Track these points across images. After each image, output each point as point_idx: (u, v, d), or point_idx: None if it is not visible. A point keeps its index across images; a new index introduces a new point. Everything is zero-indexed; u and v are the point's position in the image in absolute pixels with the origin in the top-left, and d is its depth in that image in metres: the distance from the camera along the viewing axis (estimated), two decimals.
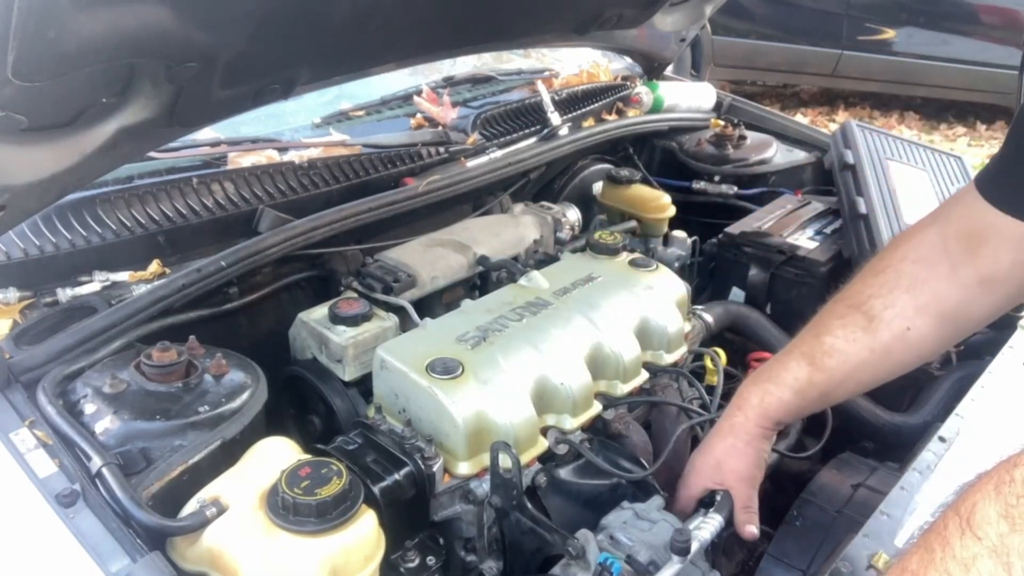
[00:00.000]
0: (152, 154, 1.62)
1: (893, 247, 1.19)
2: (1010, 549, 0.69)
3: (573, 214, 1.97)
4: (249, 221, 1.57)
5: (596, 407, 1.34)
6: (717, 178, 2.27)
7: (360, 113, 2.13)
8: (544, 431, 1.28)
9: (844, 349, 1.16)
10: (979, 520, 0.72)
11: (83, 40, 0.95)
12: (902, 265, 1.15)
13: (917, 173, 2.12)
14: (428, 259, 1.62)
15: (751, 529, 1.21)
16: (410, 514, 1.15)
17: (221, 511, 0.99)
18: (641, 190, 2.10)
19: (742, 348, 1.92)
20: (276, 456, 1.08)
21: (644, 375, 1.44)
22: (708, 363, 1.62)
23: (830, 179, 2.16)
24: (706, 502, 1.29)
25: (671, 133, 2.38)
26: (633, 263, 1.60)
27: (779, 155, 2.33)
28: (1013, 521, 0.69)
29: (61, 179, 1.17)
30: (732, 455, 1.24)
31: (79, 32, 0.93)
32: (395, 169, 1.83)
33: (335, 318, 1.40)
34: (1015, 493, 0.70)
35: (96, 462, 1.01)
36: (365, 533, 0.99)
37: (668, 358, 1.49)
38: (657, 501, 1.26)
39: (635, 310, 1.46)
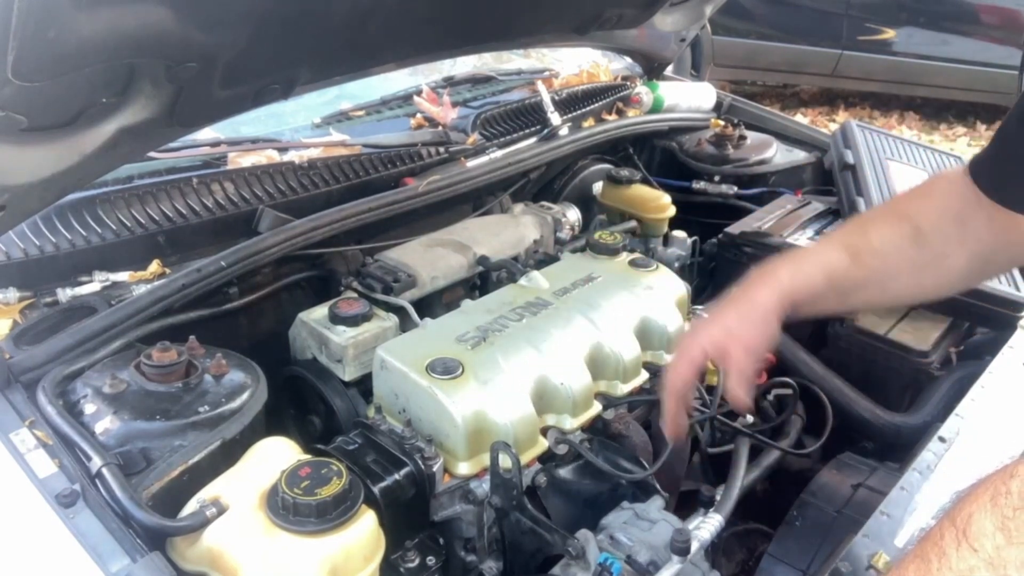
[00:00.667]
0: (152, 154, 1.62)
1: (930, 183, 1.16)
2: (1007, 562, 0.69)
3: (573, 214, 1.97)
4: (249, 221, 1.57)
5: (596, 407, 1.34)
6: (717, 178, 2.27)
7: (360, 113, 2.13)
8: (544, 431, 1.28)
9: (889, 254, 1.12)
10: (975, 532, 0.72)
11: (83, 40, 0.95)
12: (948, 200, 1.12)
13: (917, 173, 2.11)
14: (428, 259, 1.62)
15: (743, 398, 1.11)
16: (410, 514, 1.15)
17: (221, 511, 0.99)
18: (641, 190, 2.10)
19: None
20: (276, 456, 1.08)
21: (644, 375, 1.44)
22: (708, 363, 1.61)
23: (830, 179, 2.16)
24: (706, 502, 1.29)
25: (671, 133, 2.38)
26: (633, 263, 1.60)
27: (779, 155, 2.33)
28: (1009, 534, 0.69)
29: (61, 179, 1.17)
30: (745, 325, 1.13)
31: (79, 32, 0.93)
32: (395, 169, 1.83)
33: (335, 318, 1.40)
34: (1011, 505, 0.70)
35: (96, 462, 1.01)
36: (365, 533, 0.99)
37: (668, 358, 1.49)
38: (657, 501, 1.26)
39: (635, 310, 1.46)
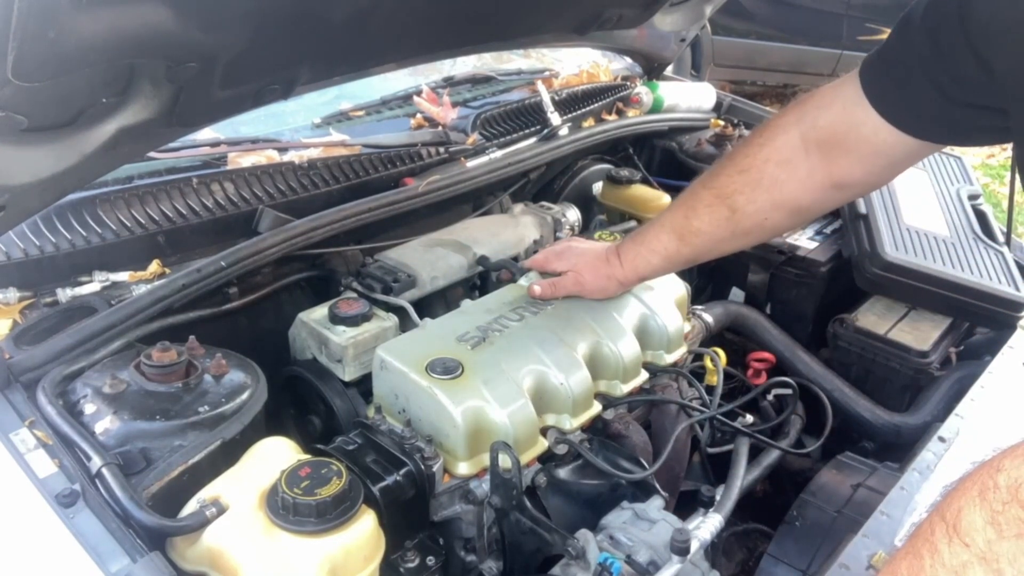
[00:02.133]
0: (152, 154, 1.62)
1: (759, 146, 1.25)
2: (999, 556, 0.69)
3: (573, 214, 1.97)
4: (249, 221, 1.57)
5: (596, 407, 1.34)
6: None
7: (360, 113, 2.13)
8: (544, 431, 1.28)
9: (710, 232, 1.30)
10: (966, 527, 0.72)
11: (83, 40, 0.95)
12: (765, 167, 1.23)
13: (917, 173, 2.12)
14: (428, 259, 1.62)
15: (536, 289, 1.45)
16: (410, 514, 1.15)
17: (221, 511, 0.99)
18: (641, 190, 2.10)
19: (742, 348, 1.92)
20: (276, 456, 1.08)
21: (644, 375, 1.44)
22: (708, 363, 1.62)
23: None
24: (705, 502, 1.29)
25: (671, 133, 2.38)
26: None
27: None
28: (1000, 528, 0.69)
29: (61, 179, 1.17)
30: (591, 272, 1.43)
31: (79, 32, 0.93)
32: (395, 169, 1.83)
33: (335, 318, 1.40)
34: (1000, 499, 0.70)
35: (96, 462, 1.01)
36: (365, 533, 0.99)
37: (668, 358, 1.49)
38: (657, 501, 1.26)
39: (635, 310, 1.46)
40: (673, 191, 2.18)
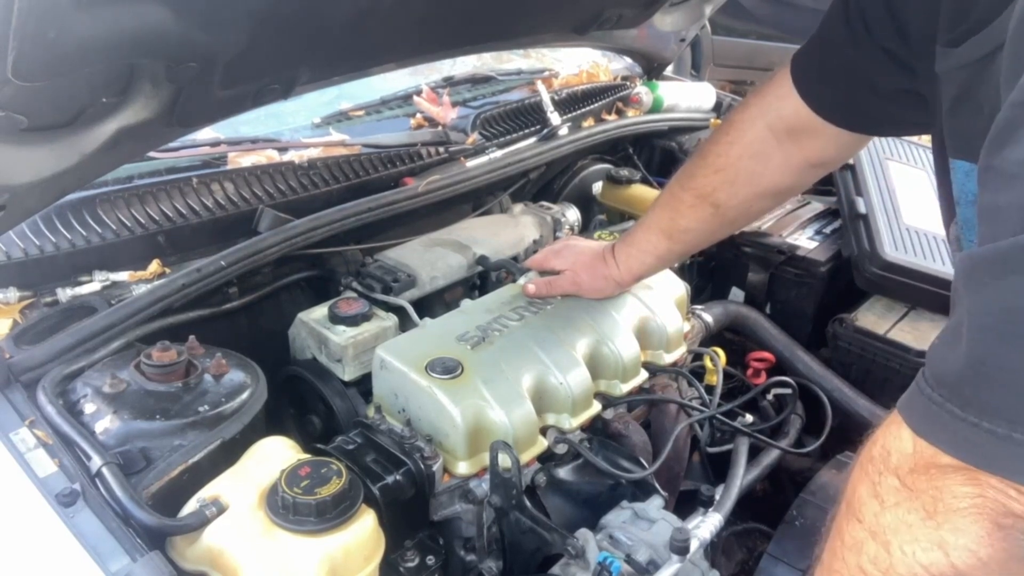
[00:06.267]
0: (152, 154, 1.62)
1: (728, 144, 1.26)
2: (885, 528, 0.67)
3: (573, 214, 1.97)
4: (249, 221, 1.58)
5: (595, 407, 1.34)
6: None
7: (360, 113, 2.14)
8: (543, 431, 1.28)
9: (697, 228, 1.33)
10: (857, 503, 0.71)
11: (83, 40, 0.95)
12: (740, 163, 1.25)
13: (917, 173, 2.12)
14: (428, 259, 1.62)
15: (530, 287, 1.46)
16: (410, 514, 1.15)
17: (221, 510, 0.99)
18: (641, 190, 2.10)
19: (742, 348, 1.92)
20: (276, 456, 1.08)
21: (643, 375, 1.44)
22: (708, 363, 1.62)
23: (829, 179, 2.16)
24: (705, 501, 1.29)
25: (671, 133, 2.38)
26: None
27: None
28: (882, 500, 0.69)
29: (61, 179, 1.17)
30: (588, 272, 1.44)
31: (79, 32, 0.93)
32: (395, 169, 1.83)
33: (335, 318, 1.40)
34: (876, 470, 0.70)
35: (96, 462, 1.01)
36: (365, 532, 0.99)
37: (668, 358, 1.50)
38: (656, 501, 1.26)
39: (635, 310, 1.46)
40: None
